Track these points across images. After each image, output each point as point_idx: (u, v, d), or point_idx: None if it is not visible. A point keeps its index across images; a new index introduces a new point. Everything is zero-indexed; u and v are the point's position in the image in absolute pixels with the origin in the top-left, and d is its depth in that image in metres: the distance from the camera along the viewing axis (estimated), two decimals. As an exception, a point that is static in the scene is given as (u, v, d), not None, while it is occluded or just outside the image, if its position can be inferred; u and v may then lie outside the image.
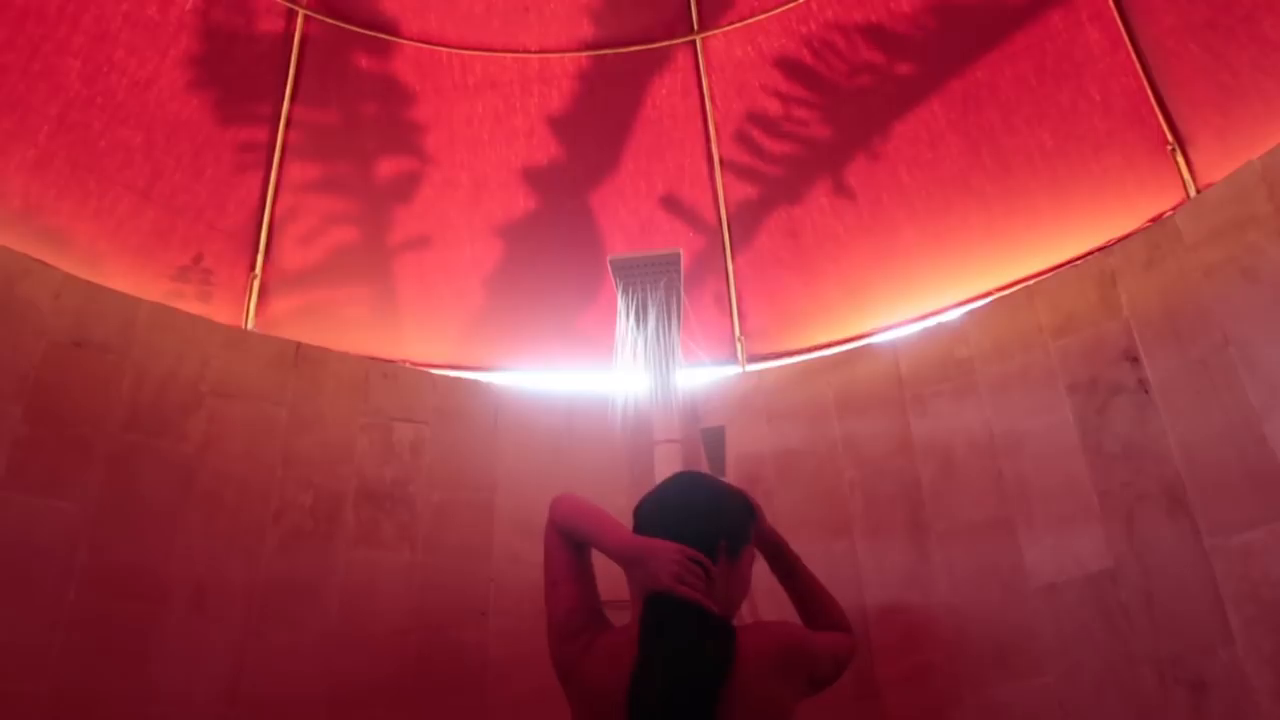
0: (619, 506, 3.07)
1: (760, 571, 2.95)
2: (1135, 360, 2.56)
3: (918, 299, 3.30)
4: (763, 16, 3.51)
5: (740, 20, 3.54)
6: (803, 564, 2.16)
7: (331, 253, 3.38)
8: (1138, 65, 2.96)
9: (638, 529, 1.83)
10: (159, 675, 2.40)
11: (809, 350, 3.41)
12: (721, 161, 3.58)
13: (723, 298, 3.56)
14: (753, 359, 3.47)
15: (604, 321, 3.31)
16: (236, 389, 2.82)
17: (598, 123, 3.62)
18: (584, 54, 3.60)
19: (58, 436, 2.46)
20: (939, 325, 3.09)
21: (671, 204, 3.63)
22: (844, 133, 3.44)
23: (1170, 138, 2.90)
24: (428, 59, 3.52)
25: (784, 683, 1.63)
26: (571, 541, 1.87)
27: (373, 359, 3.18)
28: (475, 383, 3.29)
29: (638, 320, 3.10)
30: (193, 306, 2.99)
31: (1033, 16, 3.13)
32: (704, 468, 3.06)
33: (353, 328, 3.35)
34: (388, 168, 3.48)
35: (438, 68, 3.52)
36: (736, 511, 1.91)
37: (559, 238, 3.60)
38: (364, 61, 3.46)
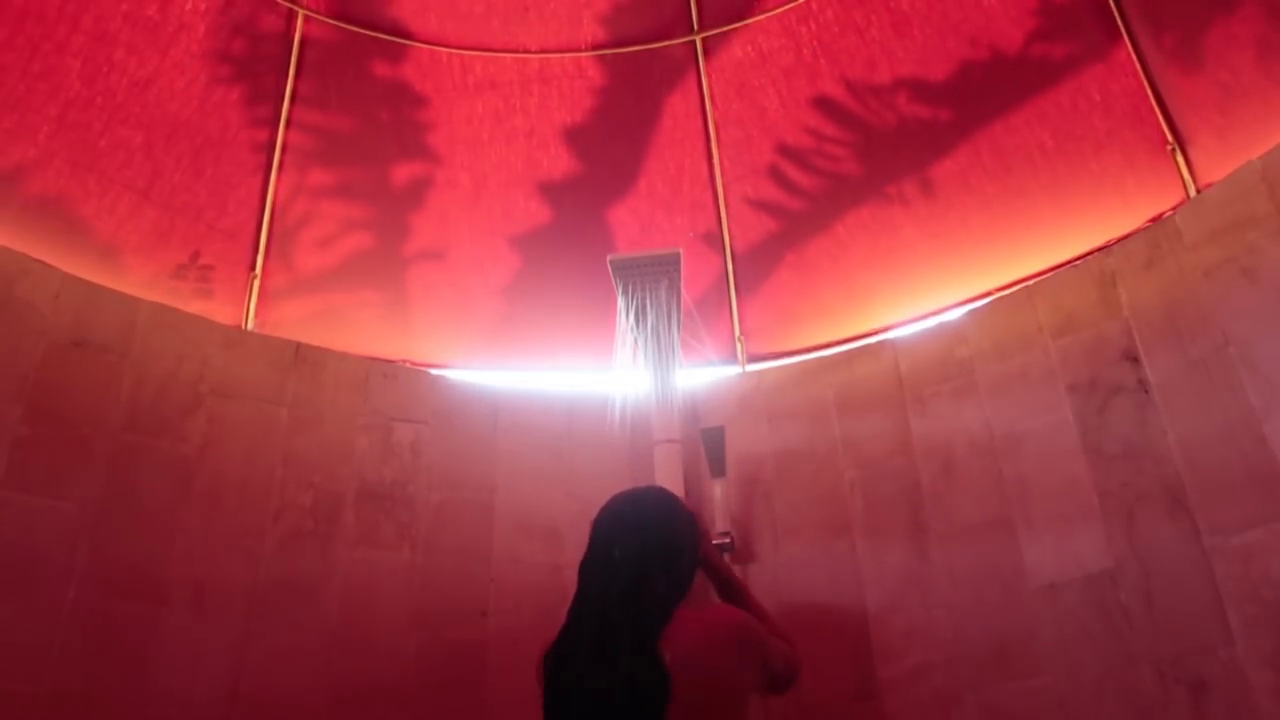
0: (619, 506, 3.09)
1: (761, 569, 2.96)
2: (1135, 360, 2.56)
3: (918, 299, 3.30)
4: (762, 17, 3.50)
5: (740, 20, 3.54)
6: (742, 586, 2.10)
7: (332, 253, 3.38)
8: (1138, 65, 2.96)
9: (591, 548, 1.83)
10: (159, 675, 2.40)
11: (809, 350, 3.41)
12: (721, 161, 3.58)
13: (723, 297, 3.56)
14: (753, 359, 3.47)
15: (605, 321, 3.31)
16: (236, 389, 2.82)
17: (597, 123, 3.62)
18: (584, 54, 3.60)
19: (58, 436, 2.46)
20: (939, 325, 3.09)
21: (671, 204, 3.63)
22: (844, 131, 3.44)
23: (1170, 138, 2.90)
24: (428, 59, 3.52)
25: (740, 660, 1.65)
26: None
27: (372, 359, 3.17)
28: (475, 383, 3.29)
29: (638, 320, 3.10)
30: (191, 305, 2.99)
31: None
32: (704, 468, 3.05)
33: (357, 330, 3.35)
34: (387, 169, 3.48)
35: (438, 68, 3.52)
36: (682, 539, 1.89)
37: (558, 237, 3.59)
38: (364, 62, 3.46)
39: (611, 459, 3.13)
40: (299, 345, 2.99)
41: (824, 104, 3.46)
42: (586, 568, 1.79)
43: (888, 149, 3.38)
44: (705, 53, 3.59)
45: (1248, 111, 2.72)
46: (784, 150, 3.52)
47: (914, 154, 3.34)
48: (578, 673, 1.63)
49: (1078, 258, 2.96)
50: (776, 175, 3.53)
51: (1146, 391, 2.51)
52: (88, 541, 2.41)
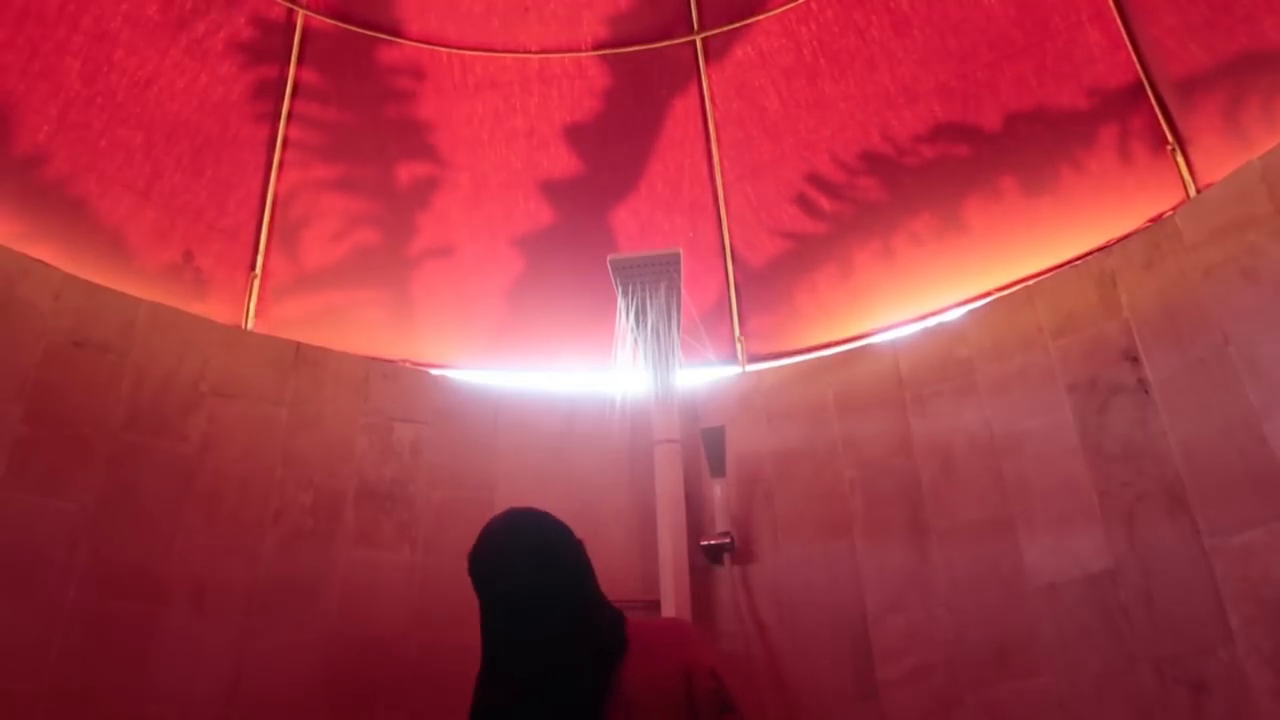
0: (618, 507, 3.10)
1: (761, 569, 2.96)
2: (1135, 360, 2.56)
3: (918, 299, 3.30)
4: (763, 17, 3.50)
5: (740, 20, 3.54)
6: None
7: (332, 252, 3.38)
8: (1138, 65, 2.96)
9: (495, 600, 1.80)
10: (159, 675, 2.40)
11: (809, 350, 3.40)
12: (721, 161, 3.58)
13: (723, 297, 3.55)
14: (753, 359, 3.47)
15: (605, 321, 3.31)
16: (236, 389, 2.82)
17: (597, 123, 3.62)
18: (584, 54, 3.60)
19: (58, 436, 2.46)
20: (939, 325, 3.09)
21: (671, 204, 3.63)
22: (844, 132, 3.44)
23: (1170, 138, 2.90)
24: (428, 59, 3.52)
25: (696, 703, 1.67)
26: None
27: (372, 359, 3.17)
28: (475, 382, 3.29)
29: (638, 320, 3.10)
30: (191, 305, 2.99)
31: (1036, 28, 3.13)
32: (704, 468, 3.05)
33: (356, 330, 3.35)
34: (387, 168, 3.48)
35: (438, 68, 3.52)
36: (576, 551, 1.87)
37: (558, 237, 3.59)
38: (364, 62, 3.46)
39: (611, 459, 3.13)
40: (299, 345, 2.99)
41: (824, 105, 3.46)
42: (501, 625, 1.75)
43: (887, 156, 3.38)
44: (705, 53, 3.59)
45: (1248, 111, 2.72)
46: (785, 152, 3.52)
47: (916, 157, 3.34)
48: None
49: (1078, 258, 2.96)
50: (777, 176, 3.53)
51: (1146, 391, 2.51)
52: (88, 541, 2.41)
